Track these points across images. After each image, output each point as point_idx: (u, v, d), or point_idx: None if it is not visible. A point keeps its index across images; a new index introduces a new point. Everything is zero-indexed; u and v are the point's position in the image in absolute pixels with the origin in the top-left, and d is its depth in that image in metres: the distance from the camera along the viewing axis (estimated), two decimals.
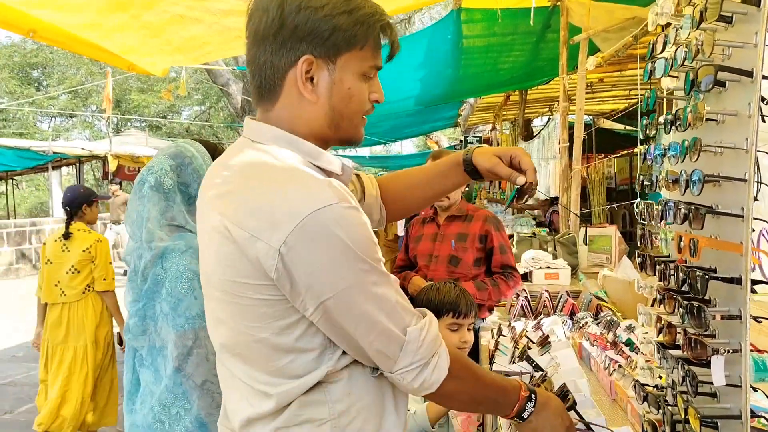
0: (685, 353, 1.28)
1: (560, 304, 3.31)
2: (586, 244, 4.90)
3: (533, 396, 1.39)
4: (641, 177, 1.53)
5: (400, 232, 9.20)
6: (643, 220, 1.53)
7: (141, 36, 4.21)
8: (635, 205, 1.56)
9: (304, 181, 1.18)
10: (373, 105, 1.34)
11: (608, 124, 11.20)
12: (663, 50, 1.42)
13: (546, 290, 3.40)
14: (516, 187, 1.53)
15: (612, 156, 9.13)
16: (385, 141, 18.06)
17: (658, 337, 1.43)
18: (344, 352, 1.25)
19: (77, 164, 18.41)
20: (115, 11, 3.78)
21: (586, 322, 2.74)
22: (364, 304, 1.18)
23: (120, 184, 15.24)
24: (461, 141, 13.33)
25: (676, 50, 1.33)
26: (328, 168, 1.28)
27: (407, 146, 35.66)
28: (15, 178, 22.33)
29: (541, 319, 2.88)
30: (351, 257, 1.15)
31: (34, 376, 6.34)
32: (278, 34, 1.23)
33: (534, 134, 10.75)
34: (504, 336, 2.78)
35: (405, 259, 3.82)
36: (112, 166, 15.21)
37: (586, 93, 8.22)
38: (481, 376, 1.38)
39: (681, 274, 1.30)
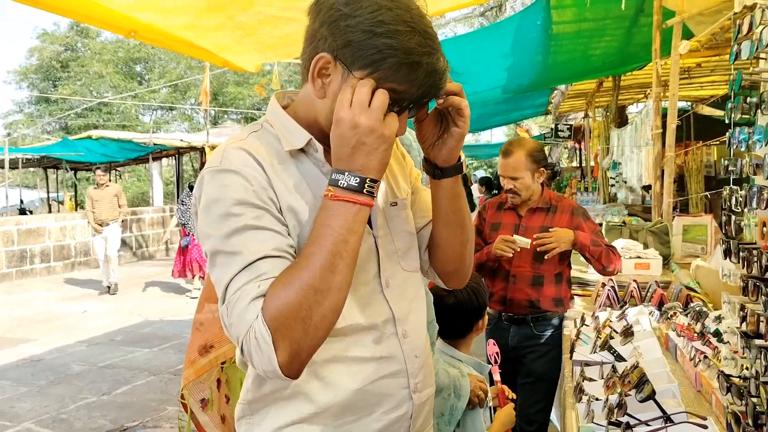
0: None
1: (648, 294, 3.23)
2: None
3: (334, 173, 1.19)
4: (726, 162, 1.49)
5: None
6: (729, 206, 1.49)
7: (236, 35, 4.38)
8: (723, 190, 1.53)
9: (219, 149, 1.29)
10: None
11: (707, 111, 10.69)
12: (749, 32, 1.38)
13: (634, 280, 3.32)
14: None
15: (708, 143, 8.72)
16: (471, 130, 17.90)
17: (741, 326, 1.40)
18: None
19: (176, 155, 19.18)
20: (211, 12, 3.96)
21: (675, 313, 2.67)
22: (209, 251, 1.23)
23: (108, 171, 11.79)
24: (552, 129, 13.01)
25: (761, 31, 1.29)
26: (287, 148, 1.29)
27: (497, 134, 35.30)
28: (118, 169, 23.54)
29: (626, 309, 2.83)
30: (208, 210, 1.21)
31: (131, 360, 6.65)
32: (311, 28, 1.25)
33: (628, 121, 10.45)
34: (587, 326, 2.75)
35: (480, 243, 3.40)
36: (209, 157, 15.82)
37: (683, 78, 7.92)
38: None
39: (764, 261, 1.27)
